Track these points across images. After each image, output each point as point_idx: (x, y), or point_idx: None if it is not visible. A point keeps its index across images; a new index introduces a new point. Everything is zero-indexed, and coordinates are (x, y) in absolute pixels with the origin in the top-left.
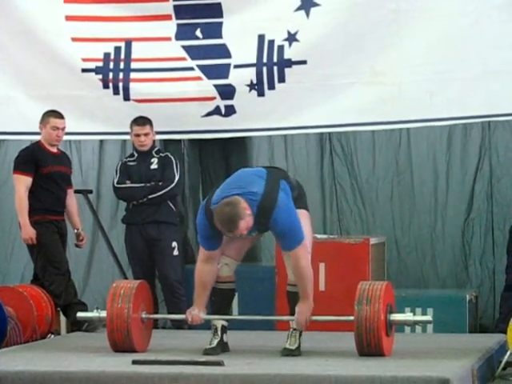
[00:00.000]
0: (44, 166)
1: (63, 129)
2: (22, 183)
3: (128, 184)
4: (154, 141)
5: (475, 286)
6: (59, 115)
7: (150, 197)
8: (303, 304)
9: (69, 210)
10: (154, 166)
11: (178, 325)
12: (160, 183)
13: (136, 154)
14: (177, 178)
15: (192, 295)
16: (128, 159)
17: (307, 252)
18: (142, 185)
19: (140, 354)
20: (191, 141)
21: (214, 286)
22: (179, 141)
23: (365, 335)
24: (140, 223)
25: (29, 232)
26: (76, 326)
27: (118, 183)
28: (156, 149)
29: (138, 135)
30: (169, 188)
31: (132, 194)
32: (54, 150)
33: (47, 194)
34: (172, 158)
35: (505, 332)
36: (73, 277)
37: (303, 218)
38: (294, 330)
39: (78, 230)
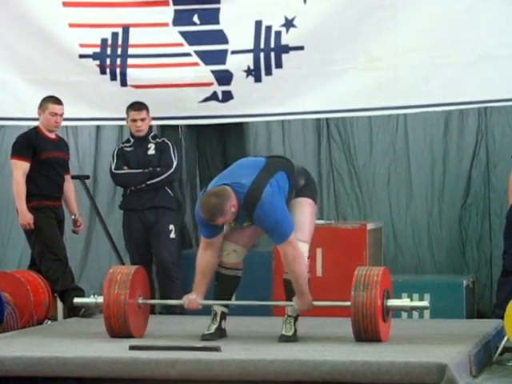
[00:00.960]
0: (42, 152)
1: (61, 115)
2: (20, 169)
3: (126, 170)
4: (150, 126)
5: (472, 271)
6: (58, 101)
7: (149, 182)
8: (299, 300)
9: (66, 195)
10: (151, 152)
11: (170, 310)
12: (158, 169)
13: (132, 140)
14: (175, 163)
15: (188, 280)
16: (124, 145)
17: (295, 248)
18: (140, 171)
19: (137, 340)
20: (188, 126)
21: (220, 270)
22: (176, 126)
23: (361, 321)
24: (138, 209)
25: (26, 217)
26: (73, 311)
27: (115, 169)
28: (152, 134)
29: (134, 120)
30: (167, 174)
31: (130, 179)
32: (52, 135)
33: (45, 179)
34: (169, 143)
35: (502, 317)
36: (70, 263)
37: (306, 206)
38: (289, 316)
39: (75, 215)
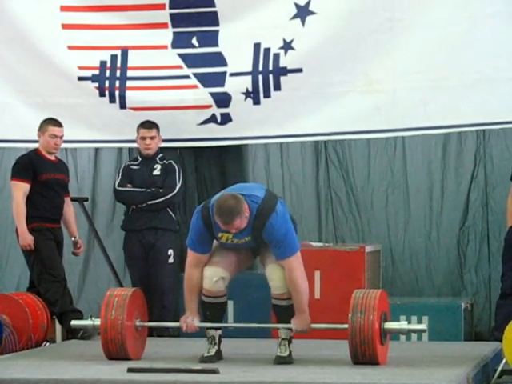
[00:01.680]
0: (42, 173)
1: (61, 137)
2: (20, 190)
3: (129, 187)
4: (159, 147)
5: (471, 294)
6: (58, 123)
7: (150, 203)
8: (298, 319)
9: (66, 217)
10: (156, 172)
11: (160, 333)
12: (161, 190)
13: (140, 159)
14: (178, 186)
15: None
16: (131, 163)
17: (301, 264)
18: (143, 190)
19: (135, 362)
20: (187, 149)
21: (208, 301)
22: (176, 149)
23: (359, 345)
24: (138, 229)
25: (27, 239)
26: (71, 333)
27: (119, 186)
28: (160, 155)
29: (143, 138)
30: (169, 196)
31: (132, 197)
32: (52, 157)
33: (44, 201)
34: (175, 165)
35: (500, 340)
36: (68, 285)
37: None
38: (283, 339)
39: (75, 237)
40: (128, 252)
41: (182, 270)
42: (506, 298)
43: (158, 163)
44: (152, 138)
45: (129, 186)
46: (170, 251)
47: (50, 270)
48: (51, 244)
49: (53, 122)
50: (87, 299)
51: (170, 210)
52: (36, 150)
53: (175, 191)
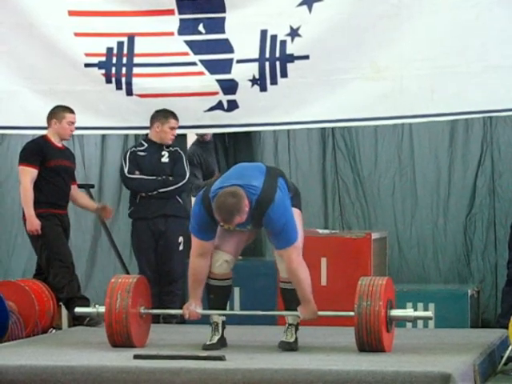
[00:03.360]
0: (50, 160)
1: (74, 124)
2: (28, 175)
3: (138, 175)
4: None
5: (477, 281)
6: (72, 111)
7: (161, 191)
8: (305, 308)
9: (80, 201)
10: (164, 160)
11: (168, 320)
12: (170, 178)
13: (146, 144)
14: (187, 174)
15: None
16: (138, 149)
17: (299, 254)
18: (154, 178)
19: (141, 349)
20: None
21: (213, 283)
22: (183, 135)
23: (365, 332)
24: (148, 217)
25: (34, 223)
26: (78, 320)
27: (128, 173)
28: None
29: (173, 128)
30: (180, 184)
31: (143, 185)
32: (60, 144)
33: (51, 187)
34: (182, 153)
35: (506, 327)
36: (76, 271)
37: (295, 215)
38: (290, 325)
39: (97, 206)
40: (137, 240)
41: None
42: None
43: (164, 150)
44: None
45: (137, 173)
46: (181, 238)
47: (57, 256)
48: (58, 229)
49: (68, 109)
50: (94, 287)
51: (177, 197)
52: (44, 137)
53: (186, 179)
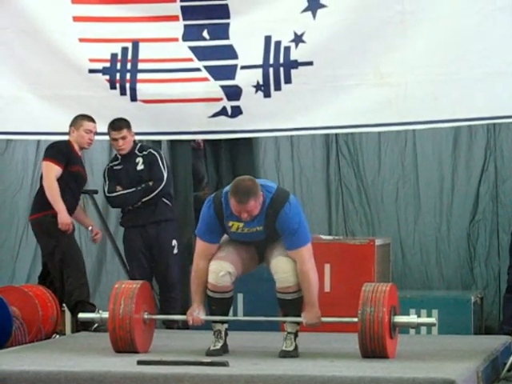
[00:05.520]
0: (72, 164)
1: (95, 133)
2: (53, 171)
3: (119, 190)
4: (134, 140)
5: (480, 287)
6: (91, 119)
7: (144, 200)
8: (309, 313)
9: (78, 214)
10: (140, 167)
11: (170, 325)
12: (150, 183)
13: (119, 157)
14: (165, 175)
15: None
16: (113, 163)
17: (312, 256)
18: (134, 189)
19: (145, 355)
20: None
21: (214, 296)
22: (188, 141)
23: (368, 338)
24: (140, 225)
25: (66, 218)
26: (84, 326)
27: (109, 192)
28: (138, 146)
29: (115, 139)
30: (160, 188)
31: (125, 200)
32: (80, 152)
33: (68, 191)
34: (155, 153)
35: (509, 334)
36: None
37: None
38: (289, 333)
39: (91, 226)
40: (129, 246)
41: (190, 263)
42: None
43: (138, 156)
44: (123, 138)
45: (118, 188)
46: (174, 242)
47: (71, 259)
48: (71, 233)
49: (87, 117)
50: (100, 293)
51: (165, 200)
52: (67, 141)
53: (164, 181)
